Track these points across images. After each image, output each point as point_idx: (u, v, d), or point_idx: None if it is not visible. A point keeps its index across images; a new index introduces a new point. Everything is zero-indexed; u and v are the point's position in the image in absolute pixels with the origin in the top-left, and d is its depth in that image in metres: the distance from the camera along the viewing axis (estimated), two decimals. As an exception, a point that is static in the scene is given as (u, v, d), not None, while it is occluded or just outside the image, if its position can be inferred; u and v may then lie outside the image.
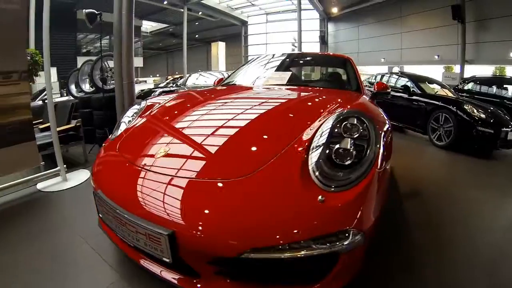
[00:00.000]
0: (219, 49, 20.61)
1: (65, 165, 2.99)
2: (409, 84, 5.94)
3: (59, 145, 2.99)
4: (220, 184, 1.09)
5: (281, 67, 2.88)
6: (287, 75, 2.61)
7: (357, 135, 1.23)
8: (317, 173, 1.10)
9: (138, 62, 20.74)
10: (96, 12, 3.93)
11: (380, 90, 2.72)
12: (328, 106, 1.65)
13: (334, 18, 21.47)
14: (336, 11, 20.30)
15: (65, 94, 7.06)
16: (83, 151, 3.75)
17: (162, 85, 12.12)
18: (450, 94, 5.88)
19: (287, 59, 3.04)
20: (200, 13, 21.35)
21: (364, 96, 2.23)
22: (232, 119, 1.61)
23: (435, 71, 13.25)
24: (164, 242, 1.00)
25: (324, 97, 2.04)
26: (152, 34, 29.17)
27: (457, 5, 13.07)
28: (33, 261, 1.64)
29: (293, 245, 0.94)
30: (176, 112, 1.82)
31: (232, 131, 1.43)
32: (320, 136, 1.25)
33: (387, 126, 1.66)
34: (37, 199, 2.60)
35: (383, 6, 17.39)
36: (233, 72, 3.16)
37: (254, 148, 1.28)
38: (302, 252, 0.94)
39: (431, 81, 6.32)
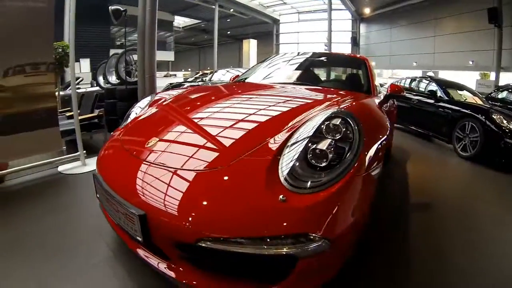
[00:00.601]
0: (250, 46, 20.72)
1: (85, 151, 3.19)
2: (436, 89, 5.66)
3: (80, 132, 3.20)
4: (191, 173, 1.14)
5: (293, 67, 2.88)
6: (296, 74, 2.63)
7: (339, 136, 1.19)
8: (285, 172, 1.08)
9: (169, 56, 21.40)
10: (122, 9, 4.12)
11: (394, 92, 2.65)
12: (322, 105, 1.64)
13: (367, 19, 20.99)
14: (368, 12, 19.84)
15: (94, 85, 7.48)
16: (104, 139, 3.98)
17: (190, 79, 12.44)
18: (480, 102, 5.56)
19: (301, 59, 3.05)
20: (231, 10, 21.60)
21: (372, 98, 2.17)
22: (221, 111, 1.69)
23: (469, 78, 12.54)
24: (136, 222, 1.07)
25: (325, 96, 2.01)
26: (185, 29, 29.88)
27: (493, 8, 12.25)
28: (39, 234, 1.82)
29: (248, 241, 0.94)
30: (171, 108, 1.90)
31: (219, 123, 1.51)
32: (299, 135, 1.24)
33: (383, 131, 1.62)
34: (57, 180, 2.83)
35: (416, 8, 16.87)
36: (247, 70, 3.21)
37: (230, 142, 1.30)
38: (258, 250, 0.94)
39: (462, 87, 5.99)
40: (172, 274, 1.09)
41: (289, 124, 1.37)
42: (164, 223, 1.03)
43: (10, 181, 2.72)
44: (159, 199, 1.07)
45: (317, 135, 1.21)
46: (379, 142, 1.44)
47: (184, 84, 8.08)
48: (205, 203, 1.03)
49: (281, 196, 1.00)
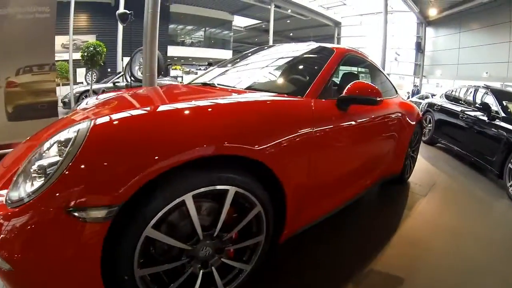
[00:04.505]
0: (310, 49, 20.28)
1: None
2: (491, 102, 4.40)
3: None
4: None
5: (236, 65, 2.60)
6: (225, 73, 2.44)
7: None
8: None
9: (227, 55, 22.22)
10: (128, 12, 4.54)
11: (352, 94, 1.77)
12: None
13: (432, 22, 19.05)
14: (435, 14, 17.89)
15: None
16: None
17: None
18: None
19: (248, 55, 2.73)
20: (289, 10, 21.55)
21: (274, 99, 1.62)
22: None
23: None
24: None
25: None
26: (246, 29, 30.63)
27: None
28: None
29: None
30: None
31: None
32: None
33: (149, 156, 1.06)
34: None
35: (488, 8, 14.63)
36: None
37: None
38: None
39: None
40: None
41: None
42: None
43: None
44: None
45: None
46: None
47: None
48: None
49: None
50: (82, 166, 0.94)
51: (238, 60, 2.73)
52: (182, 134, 1.10)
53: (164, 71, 14.86)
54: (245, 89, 1.94)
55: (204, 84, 2.17)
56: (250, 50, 2.88)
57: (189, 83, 2.48)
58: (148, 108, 1.21)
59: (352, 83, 1.82)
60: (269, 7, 19.40)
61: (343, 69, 3.63)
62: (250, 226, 1.37)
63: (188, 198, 1.09)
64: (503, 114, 4.09)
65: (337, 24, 26.16)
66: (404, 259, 1.94)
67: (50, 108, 3.59)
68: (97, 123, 1.03)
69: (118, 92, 2.26)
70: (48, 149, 1.04)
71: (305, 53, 2.46)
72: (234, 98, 1.60)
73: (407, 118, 3.04)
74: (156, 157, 1.01)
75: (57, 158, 0.99)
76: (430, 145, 6.03)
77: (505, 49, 14.44)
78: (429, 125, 6.18)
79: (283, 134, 1.41)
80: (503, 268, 2.00)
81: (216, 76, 2.38)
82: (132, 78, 6.26)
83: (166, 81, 10.54)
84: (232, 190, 1.21)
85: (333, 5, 23.03)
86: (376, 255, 1.94)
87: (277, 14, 20.45)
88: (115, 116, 1.09)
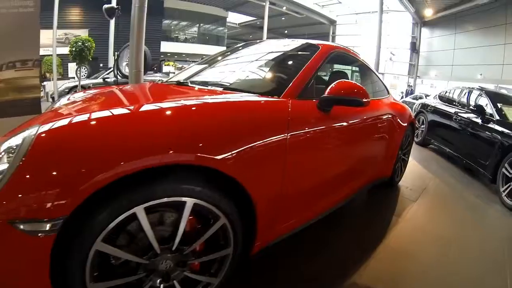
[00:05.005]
0: (305, 46, 20.24)
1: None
2: (486, 105, 4.33)
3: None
4: None
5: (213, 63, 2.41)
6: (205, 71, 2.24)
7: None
8: None
9: (219, 50, 22.08)
10: (115, 7, 4.37)
11: (335, 94, 1.63)
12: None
13: (428, 23, 19.03)
14: (430, 14, 17.82)
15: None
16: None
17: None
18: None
19: (224, 54, 2.61)
20: (284, 8, 21.39)
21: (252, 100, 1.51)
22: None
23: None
24: None
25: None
26: (241, 26, 30.43)
27: None
28: None
29: None
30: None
31: None
32: None
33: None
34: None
35: (484, 10, 14.61)
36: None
37: None
38: None
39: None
40: None
41: None
42: None
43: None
44: None
45: None
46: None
47: None
48: None
49: None
50: (27, 176, 0.89)
51: (219, 57, 2.57)
52: (127, 143, 1.00)
53: (157, 67, 14.66)
54: (222, 89, 1.76)
55: (179, 83, 2.02)
56: (233, 47, 2.74)
57: (166, 81, 2.33)
58: (99, 114, 1.11)
59: (336, 82, 1.67)
60: (264, 4, 19.21)
61: (338, 67, 3.51)
62: (217, 238, 1.26)
63: (139, 211, 1.01)
64: (497, 117, 3.99)
65: (332, 22, 26.09)
66: (389, 273, 1.83)
67: (33, 104, 3.48)
68: (43, 130, 0.97)
69: (91, 91, 2.14)
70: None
71: (289, 50, 2.30)
72: (199, 99, 1.44)
73: (398, 120, 2.94)
74: (100, 168, 0.93)
75: (5, 166, 0.92)
76: (423, 146, 5.96)
77: (500, 52, 14.45)
78: (422, 126, 6.11)
79: (250, 140, 1.27)
80: (492, 282, 1.90)
81: (192, 74, 2.21)
82: (120, 75, 6.14)
83: (157, 77, 10.36)
84: (190, 202, 1.11)
85: (328, 3, 22.92)
86: (360, 268, 1.82)
87: (272, 11, 20.26)
88: (63, 122, 1.04)
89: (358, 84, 1.71)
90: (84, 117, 1.08)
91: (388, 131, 2.69)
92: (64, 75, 14.86)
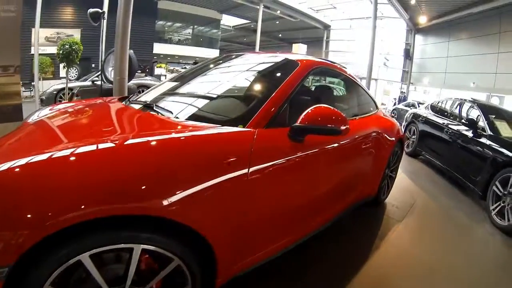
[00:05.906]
0: (299, 50, 20.34)
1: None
2: (478, 116, 4.23)
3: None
4: None
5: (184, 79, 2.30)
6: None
7: None
8: None
9: (214, 53, 21.95)
10: (100, 11, 4.25)
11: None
12: None
13: (422, 30, 19.15)
14: (425, 22, 17.88)
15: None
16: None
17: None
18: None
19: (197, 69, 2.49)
20: (278, 11, 21.36)
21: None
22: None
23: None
24: None
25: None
26: (235, 29, 30.32)
27: None
28: None
29: None
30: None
31: None
32: None
33: None
34: None
35: (478, 18, 14.64)
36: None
37: None
38: None
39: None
40: None
41: None
42: None
43: None
44: None
45: None
46: None
47: None
48: None
49: None
50: None
51: (191, 75, 2.40)
52: (53, 196, 0.91)
53: (149, 69, 14.47)
54: (185, 118, 1.55)
55: (144, 106, 1.80)
56: (206, 61, 2.57)
57: (135, 99, 2.06)
58: (30, 159, 1.00)
59: (311, 108, 1.53)
60: (258, 7, 19.17)
61: (331, 80, 3.39)
62: (174, 277, 1.17)
63: (84, 258, 0.97)
64: (489, 132, 3.88)
65: (327, 27, 26.18)
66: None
67: (15, 111, 3.42)
68: None
69: (57, 107, 2.03)
70: None
71: (264, 69, 2.14)
72: (143, 136, 1.23)
73: (386, 136, 2.83)
74: (27, 225, 0.88)
75: None
76: (413, 157, 5.89)
77: (493, 60, 14.45)
78: (413, 137, 6.05)
79: (200, 180, 1.14)
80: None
81: (158, 96, 2.02)
82: (105, 80, 5.99)
83: (148, 81, 10.20)
84: (137, 248, 1.04)
85: (323, 8, 22.96)
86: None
87: (266, 15, 20.22)
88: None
89: (336, 110, 1.57)
90: (16, 162, 0.98)
91: (374, 150, 2.58)
92: (55, 75, 14.67)
